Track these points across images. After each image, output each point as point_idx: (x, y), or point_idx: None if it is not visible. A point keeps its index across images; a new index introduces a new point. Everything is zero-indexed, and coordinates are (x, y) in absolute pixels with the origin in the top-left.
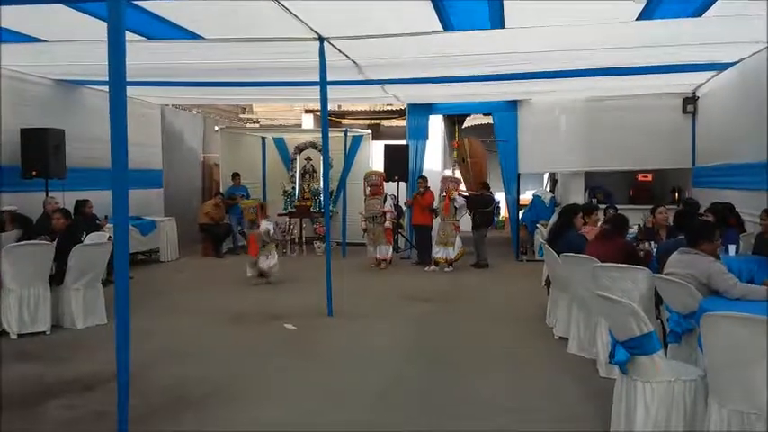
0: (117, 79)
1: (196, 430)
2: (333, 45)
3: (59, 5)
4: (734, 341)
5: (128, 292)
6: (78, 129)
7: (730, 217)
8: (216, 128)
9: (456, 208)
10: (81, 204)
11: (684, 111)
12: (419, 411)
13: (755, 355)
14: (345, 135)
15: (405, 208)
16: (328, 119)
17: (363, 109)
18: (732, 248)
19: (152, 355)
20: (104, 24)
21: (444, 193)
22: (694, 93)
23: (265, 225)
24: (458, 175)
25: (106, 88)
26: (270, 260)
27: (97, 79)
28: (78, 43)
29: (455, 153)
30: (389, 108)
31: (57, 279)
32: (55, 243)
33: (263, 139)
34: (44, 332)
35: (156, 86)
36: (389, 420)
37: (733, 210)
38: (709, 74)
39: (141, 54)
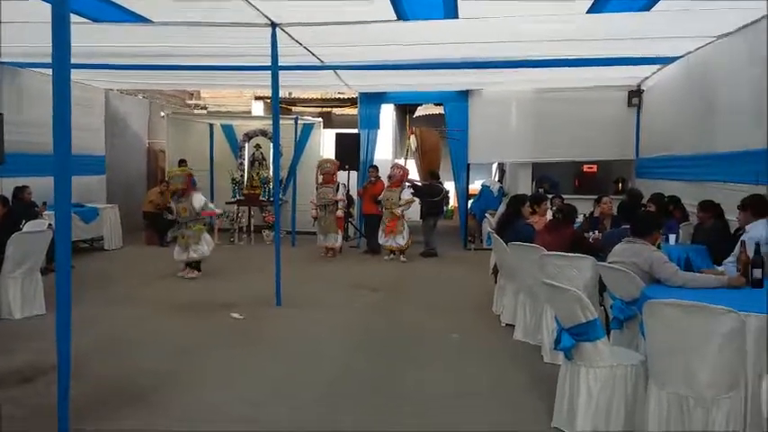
0: (61, 63)
1: (140, 422)
2: (285, 32)
3: None
4: (674, 327)
5: (69, 281)
6: (17, 112)
7: (672, 207)
8: (162, 113)
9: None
10: (19, 191)
11: (629, 104)
12: (365, 400)
13: (694, 341)
14: (296, 123)
15: (356, 198)
16: (279, 106)
17: (314, 96)
18: (672, 238)
19: (94, 346)
20: (46, 5)
21: (390, 182)
22: (639, 86)
23: (200, 198)
24: (411, 164)
25: (46, 70)
26: (202, 247)
27: (37, 61)
28: (19, 24)
29: (408, 142)
30: (341, 96)
31: None
32: None
33: (212, 125)
34: None
35: (100, 69)
36: (336, 409)
37: (678, 201)
38: (654, 67)
39: (86, 36)
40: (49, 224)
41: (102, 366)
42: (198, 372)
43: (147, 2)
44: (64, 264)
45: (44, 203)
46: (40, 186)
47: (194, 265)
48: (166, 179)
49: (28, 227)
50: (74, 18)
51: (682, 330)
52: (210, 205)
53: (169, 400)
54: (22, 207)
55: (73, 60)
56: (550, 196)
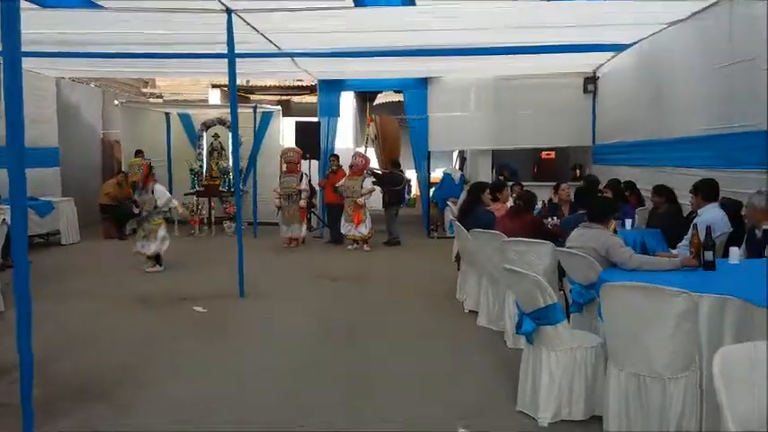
0: (11, 51)
1: (105, 419)
2: (241, 17)
3: None
4: (629, 308)
5: (27, 277)
6: None
7: (628, 193)
8: (116, 102)
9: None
10: None
11: (585, 90)
12: (330, 388)
13: (649, 322)
14: (255, 111)
15: (318, 188)
16: (237, 94)
17: (273, 84)
18: (628, 222)
19: (55, 343)
20: None
21: (351, 171)
22: (594, 73)
23: (163, 192)
24: (371, 153)
25: None
26: (159, 242)
27: None
28: None
29: (368, 130)
30: (300, 84)
31: None
32: None
33: (168, 114)
34: None
35: (50, 57)
36: (301, 398)
37: (634, 187)
38: (609, 54)
39: (33, 23)
40: (3, 219)
41: (64, 363)
42: (161, 366)
43: None
44: (22, 259)
45: None
46: None
47: (156, 258)
48: (124, 170)
49: None
50: (21, 3)
51: (637, 312)
52: (174, 202)
53: (133, 395)
54: None
55: (28, 49)
56: (510, 183)
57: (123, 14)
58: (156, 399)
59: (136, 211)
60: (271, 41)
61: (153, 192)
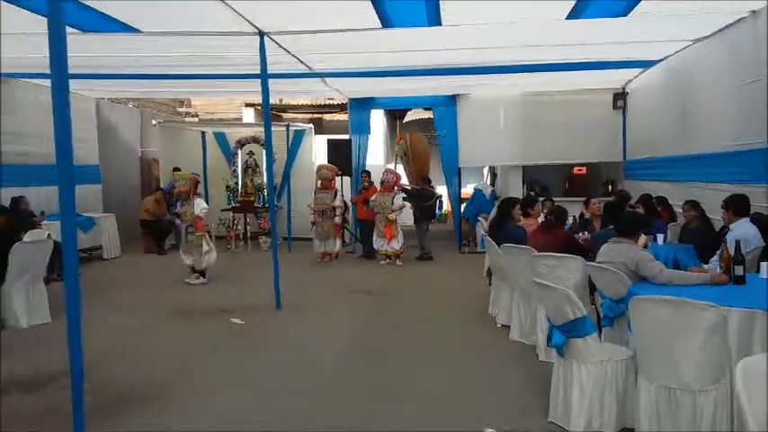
0: (60, 74)
1: (149, 425)
2: (273, 40)
3: None
4: (658, 322)
5: (78, 290)
6: (10, 123)
7: (661, 208)
8: (153, 122)
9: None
10: (16, 201)
11: (615, 106)
12: (365, 398)
13: (677, 335)
14: (288, 129)
15: (350, 204)
16: (270, 113)
17: (305, 103)
18: (660, 237)
19: (99, 353)
20: (34, 16)
21: (382, 187)
22: (624, 88)
23: (201, 203)
24: (400, 169)
25: (35, 81)
26: (205, 256)
27: (26, 72)
28: (6, 35)
29: (397, 147)
30: (331, 102)
31: None
32: None
33: (203, 133)
34: None
35: (90, 79)
36: (336, 408)
37: (666, 202)
38: (637, 70)
39: (75, 46)
40: (48, 234)
41: (110, 372)
42: (201, 376)
43: (135, 12)
44: (72, 272)
45: (42, 213)
46: (36, 196)
47: (201, 271)
48: (162, 187)
49: (27, 237)
50: (71, 30)
51: (665, 325)
52: (202, 213)
53: (176, 403)
54: (21, 217)
55: (70, 71)
56: (541, 199)
57: (159, 37)
58: (196, 407)
59: (177, 221)
60: (302, 62)
61: (194, 202)
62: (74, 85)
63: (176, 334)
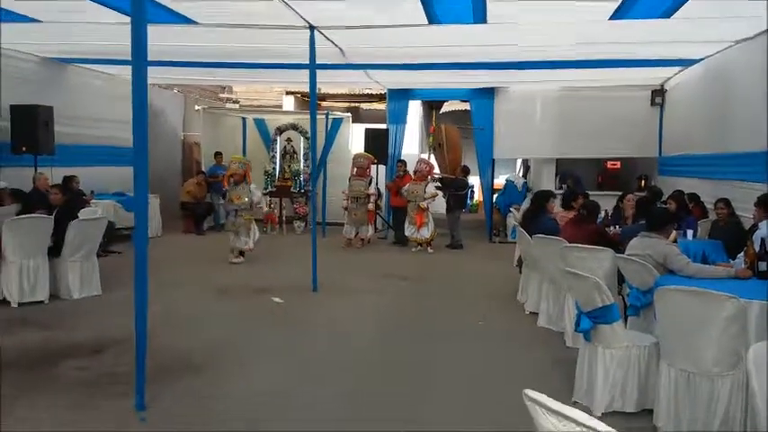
0: (139, 64)
1: (201, 387)
2: (322, 34)
3: None
4: (681, 310)
5: (146, 261)
6: (64, 106)
7: (692, 205)
8: (197, 107)
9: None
10: (68, 180)
11: (653, 103)
12: (392, 382)
13: (699, 323)
14: (327, 117)
15: (384, 191)
16: (308, 101)
17: (343, 92)
18: (690, 233)
19: (152, 323)
20: (98, 6)
21: (416, 176)
22: (662, 86)
23: (258, 193)
24: (433, 160)
25: (91, 66)
26: (250, 239)
27: (84, 57)
28: (70, 23)
29: (431, 138)
30: (369, 92)
31: (54, 252)
32: (53, 217)
33: (244, 119)
34: (42, 301)
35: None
36: (370, 386)
37: (698, 199)
38: (676, 68)
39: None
40: (99, 212)
41: (161, 340)
42: (245, 348)
43: (194, 4)
44: (142, 246)
45: (92, 192)
46: (86, 175)
47: (240, 252)
48: (203, 170)
49: (83, 214)
50: (122, 18)
51: (688, 314)
52: (263, 202)
53: (224, 372)
54: (73, 195)
55: (117, 57)
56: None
57: (214, 29)
58: (242, 375)
59: (221, 202)
60: (344, 54)
61: (250, 191)
62: (124, 70)
63: (220, 309)
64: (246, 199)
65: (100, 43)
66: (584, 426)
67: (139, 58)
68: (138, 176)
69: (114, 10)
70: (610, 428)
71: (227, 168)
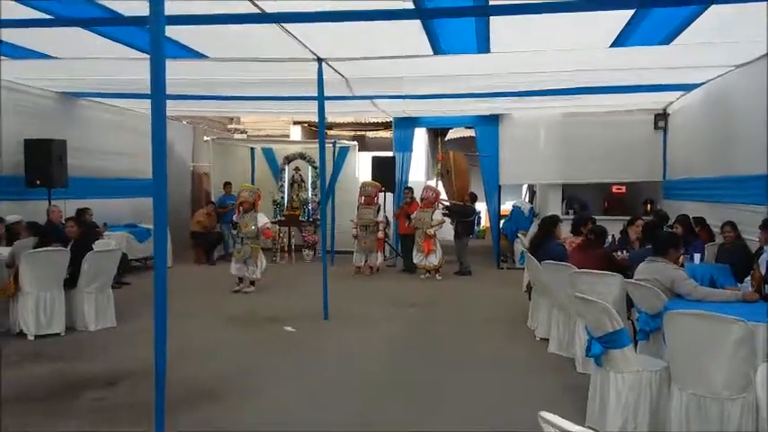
0: (158, 99)
1: (217, 417)
2: (330, 66)
3: (80, 29)
4: (690, 334)
5: (165, 294)
6: (78, 139)
7: (698, 228)
8: (206, 138)
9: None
10: (82, 212)
11: (656, 126)
12: (407, 404)
13: (708, 346)
14: (334, 146)
15: (391, 219)
16: (315, 130)
17: (349, 121)
18: (697, 257)
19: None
20: (112, 42)
21: (423, 203)
22: (665, 110)
23: (263, 217)
24: (440, 187)
25: (103, 100)
26: (258, 269)
27: (97, 92)
28: (85, 60)
29: (439, 165)
30: (375, 120)
31: (70, 283)
32: (69, 249)
33: (253, 149)
34: (59, 334)
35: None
36: (381, 413)
37: (704, 222)
38: (678, 93)
39: (142, 69)
40: (114, 243)
41: (177, 371)
42: (259, 377)
43: (205, 40)
44: (161, 277)
45: (105, 224)
46: (98, 208)
47: (251, 281)
48: (212, 201)
49: (97, 246)
50: (136, 54)
51: (697, 337)
52: (268, 224)
53: (239, 400)
54: (87, 228)
55: (125, 92)
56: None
57: (223, 63)
58: (258, 403)
59: (234, 231)
60: (349, 85)
61: (256, 217)
62: (138, 104)
63: (233, 339)
64: (253, 227)
65: (111, 78)
66: None
67: (158, 93)
68: (158, 209)
69: (127, 46)
70: None
71: (238, 197)
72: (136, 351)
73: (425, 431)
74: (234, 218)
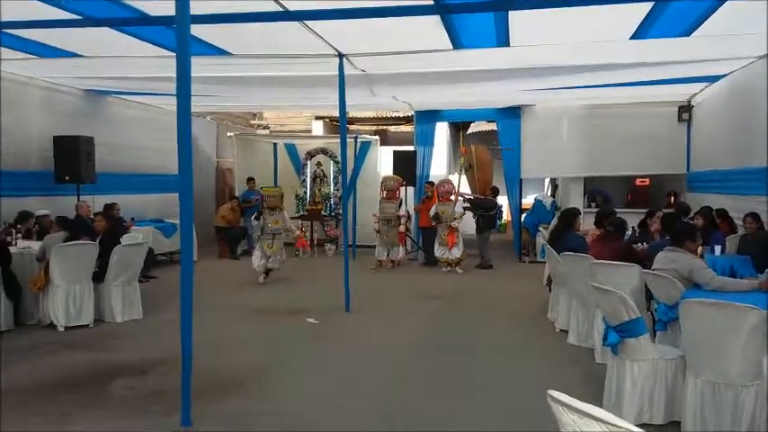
0: (184, 97)
1: (244, 404)
2: (350, 62)
3: (106, 29)
4: (705, 322)
5: (191, 286)
6: (105, 136)
7: (720, 220)
8: (229, 134)
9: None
10: (109, 207)
11: (680, 119)
12: (430, 392)
13: (723, 334)
14: (356, 141)
15: (413, 212)
16: (337, 125)
17: (371, 116)
18: (717, 249)
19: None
20: (139, 41)
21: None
22: (689, 102)
23: (287, 219)
24: (464, 181)
25: (130, 97)
26: (280, 258)
27: (124, 89)
28: (112, 58)
29: (462, 159)
30: (396, 115)
31: (98, 276)
32: (98, 243)
33: (275, 144)
34: (87, 325)
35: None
36: (403, 404)
37: (726, 214)
38: (702, 84)
39: (169, 67)
40: (141, 237)
41: (203, 361)
42: (284, 367)
43: (228, 38)
44: (188, 271)
45: (132, 219)
46: (126, 203)
47: (268, 271)
48: (236, 196)
49: (125, 240)
50: (161, 52)
51: (712, 325)
52: (293, 228)
53: (265, 389)
54: (115, 222)
55: (153, 90)
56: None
57: (246, 59)
58: (284, 392)
59: (255, 224)
60: (370, 78)
61: (284, 216)
62: (163, 100)
63: (258, 330)
64: (281, 223)
65: (137, 75)
66: (607, 422)
67: (184, 90)
68: (184, 203)
69: (154, 44)
70: (632, 426)
71: (266, 200)
72: (162, 341)
73: (447, 420)
74: (263, 216)
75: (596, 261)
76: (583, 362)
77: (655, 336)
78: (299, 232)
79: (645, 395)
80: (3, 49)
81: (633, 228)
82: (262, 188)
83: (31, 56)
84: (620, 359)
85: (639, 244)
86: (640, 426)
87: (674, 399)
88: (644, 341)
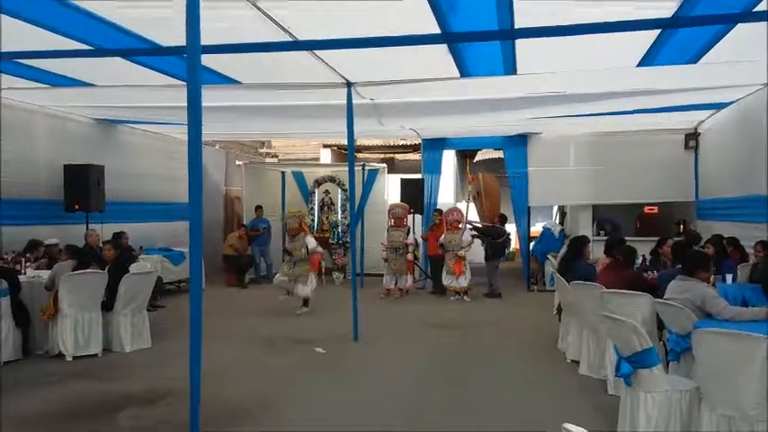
0: (195, 126)
1: None
2: (358, 93)
3: (118, 59)
4: (718, 352)
5: (200, 314)
6: (114, 164)
7: (731, 249)
8: (238, 162)
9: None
10: (118, 236)
11: (687, 146)
12: (439, 424)
13: (736, 364)
14: (364, 169)
15: (421, 241)
16: (345, 153)
17: (378, 144)
18: (729, 277)
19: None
20: (150, 71)
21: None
22: (696, 129)
23: (312, 240)
24: (472, 208)
25: (140, 126)
26: (309, 286)
27: (134, 118)
28: (123, 87)
29: (470, 187)
30: (403, 143)
31: (107, 305)
32: (106, 272)
33: (283, 173)
34: (96, 355)
35: (184, 126)
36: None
37: (737, 243)
38: (709, 112)
39: (177, 96)
40: (150, 265)
41: (211, 390)
42: (292, 397)
43: (239, 67)
44: (197, 299)
45: (141, 247)
46: (134, 232)
47: (304, 301)
48: (244, 224)
49: (133, 269)
50: (171, 81)
51: (725, 355)
52: (319, 249)
53: (274, 418)
54: (123, 251)
55: (161, 119)
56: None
57: (255, 90)
58: (292, 421)
59: (288, 258)
60: (378, 106)
61: (306, 240)
62: (171, 129)
63: (266, 359)
64: (303, 250)
65: (147, 105)
66: None
67: (195, 120)
68: (194, 232)
69: (164, 74)
70: None
71: (287, 227)
72: (171, 371)
73: None
74: (286, 245)
75: (607, 290)
76: (595, 393)
77: (667, 366)
78: (321, 249)
79: (659, 427)
80: (15, 78)
81: (643, 256)
82: (284, 212)
83: (43, 85)
84: (633, 390)
85: (649, 272)
86: None
87: (690, 430)
88: (657, 372)
